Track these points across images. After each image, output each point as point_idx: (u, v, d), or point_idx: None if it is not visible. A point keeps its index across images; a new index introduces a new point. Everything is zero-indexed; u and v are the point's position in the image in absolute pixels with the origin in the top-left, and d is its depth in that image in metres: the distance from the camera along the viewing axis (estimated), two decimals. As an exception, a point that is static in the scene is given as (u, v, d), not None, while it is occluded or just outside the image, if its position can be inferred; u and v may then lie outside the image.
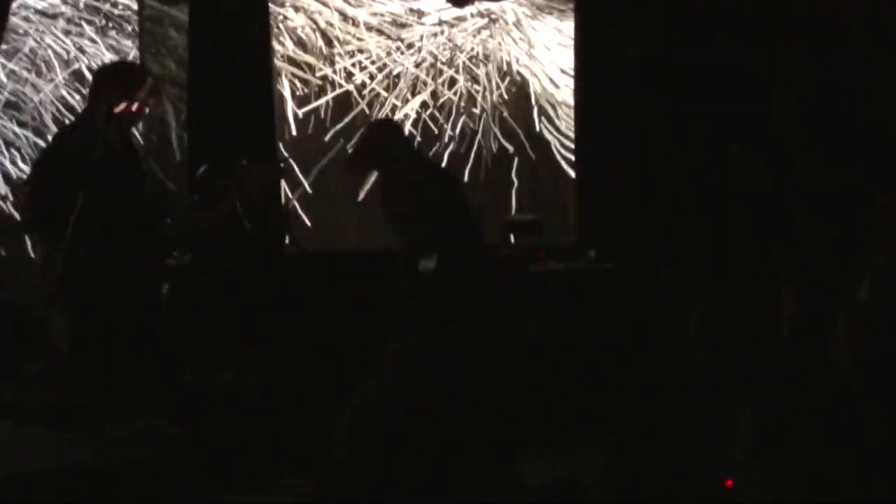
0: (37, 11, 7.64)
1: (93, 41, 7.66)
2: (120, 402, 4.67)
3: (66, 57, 7.73)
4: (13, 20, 7.33)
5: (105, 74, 5.20)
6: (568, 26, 9.20)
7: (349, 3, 8.62)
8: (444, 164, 8.74)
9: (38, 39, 7.55)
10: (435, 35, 8.90)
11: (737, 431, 3.97)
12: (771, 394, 4.64)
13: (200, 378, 6.22)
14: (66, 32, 7.68)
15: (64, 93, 7.71)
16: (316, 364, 6.35)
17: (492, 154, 9.19)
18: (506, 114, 9.26)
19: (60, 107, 7.68)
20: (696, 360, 7.11)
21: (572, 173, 9.31)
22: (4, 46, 7.28)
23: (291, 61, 8.53)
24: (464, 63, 9.02)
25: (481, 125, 9.15)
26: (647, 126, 9.10)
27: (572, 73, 9.20)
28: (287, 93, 8.47)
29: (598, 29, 9.16)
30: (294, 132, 8.46)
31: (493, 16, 9.15)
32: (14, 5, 7.19)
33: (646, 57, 9.02)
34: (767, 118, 8.51)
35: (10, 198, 7.40)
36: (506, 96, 9.24)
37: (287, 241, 7.21)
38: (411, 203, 6.52)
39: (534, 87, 9.36)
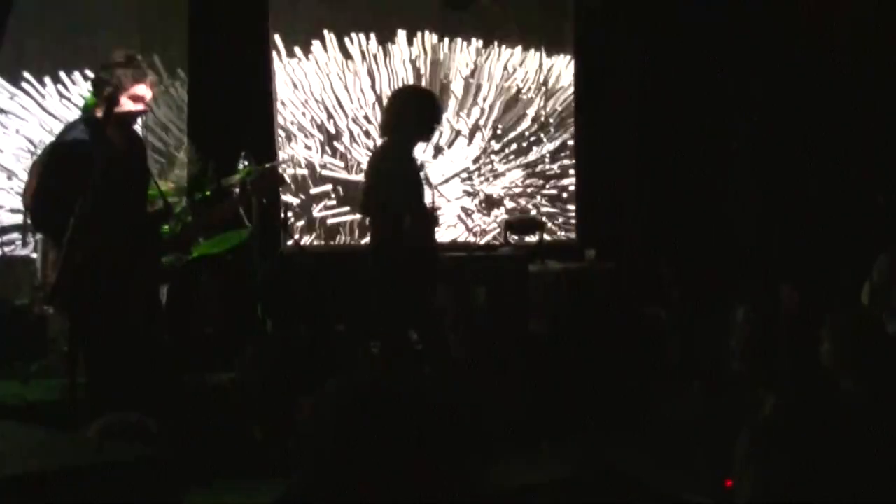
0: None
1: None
2: (119, 400, 4.67)
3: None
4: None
5: (105, 69, 5.17)
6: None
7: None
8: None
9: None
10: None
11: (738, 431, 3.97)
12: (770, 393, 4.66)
13: (198, 376, 6.23)
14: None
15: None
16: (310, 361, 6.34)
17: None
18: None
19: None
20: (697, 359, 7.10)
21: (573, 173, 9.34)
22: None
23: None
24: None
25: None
26: (645, 126, 9.12)
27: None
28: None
29: (598, 33, 9.18)
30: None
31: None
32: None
33: (644, 58, 9.04)
34: (766, 118, 8.52)
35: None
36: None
37: (286, 239, 7.22)
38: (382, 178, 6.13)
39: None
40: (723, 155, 7.70)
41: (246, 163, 6.33)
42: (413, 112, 6.11)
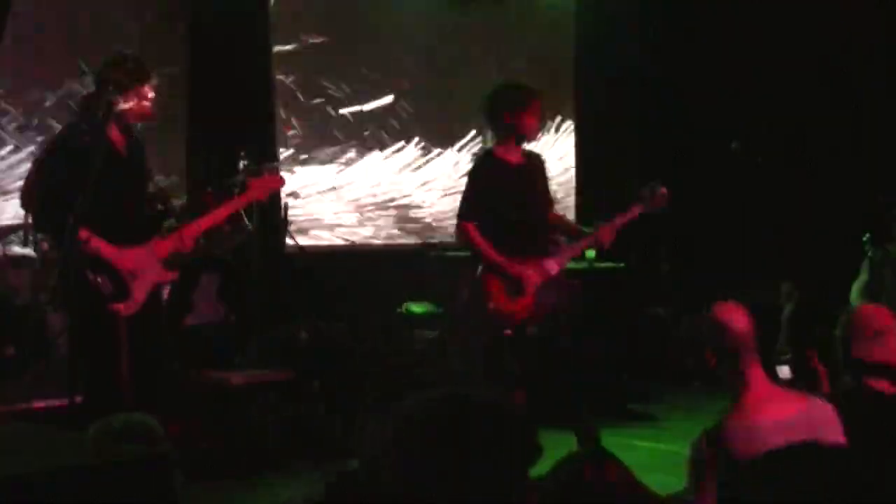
0: None
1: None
2: (119, 400, 4.68)
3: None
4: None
5: (107, 69, 5.17)
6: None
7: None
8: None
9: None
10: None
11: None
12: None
13: (199, 375, 6.23)
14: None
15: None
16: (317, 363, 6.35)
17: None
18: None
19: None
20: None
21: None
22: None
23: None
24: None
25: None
26: (645, 126, 9.12)
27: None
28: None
29: (599, 28, 9.20)
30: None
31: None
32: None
33: (645, 58, 9.04)
34: (766, 118, 8.52)
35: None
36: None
37: (286, 238, 7.22)
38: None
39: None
40: (723, 155, 7.69)
41: (246, 162, 6.33)
42: (503, 110, 5.82)
